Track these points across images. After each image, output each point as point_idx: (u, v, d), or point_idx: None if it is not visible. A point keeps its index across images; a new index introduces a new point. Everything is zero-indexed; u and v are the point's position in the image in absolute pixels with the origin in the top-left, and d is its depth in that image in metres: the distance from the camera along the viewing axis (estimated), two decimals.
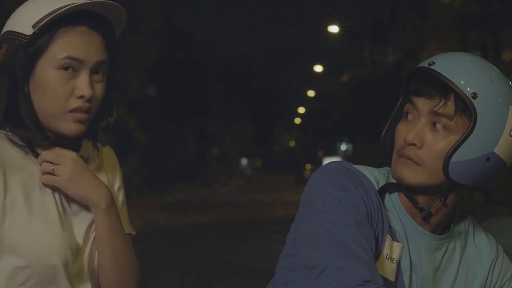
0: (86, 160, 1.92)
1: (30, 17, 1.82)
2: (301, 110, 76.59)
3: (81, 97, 1.82)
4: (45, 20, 1.80)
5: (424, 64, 1.80)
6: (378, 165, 2.00)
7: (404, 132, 1.81)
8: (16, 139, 1.84)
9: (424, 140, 1.79)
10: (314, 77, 52.24)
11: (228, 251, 14.04)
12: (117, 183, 2.03)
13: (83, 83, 1.82)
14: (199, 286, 10.70)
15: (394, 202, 1.86)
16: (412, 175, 1.80)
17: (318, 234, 1.71)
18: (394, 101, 1.93)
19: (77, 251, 1.85)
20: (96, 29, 1.85)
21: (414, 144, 1.79)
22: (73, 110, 1.82)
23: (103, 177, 1.97)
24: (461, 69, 1.78)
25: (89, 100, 1.83)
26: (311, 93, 59.26)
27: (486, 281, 1.93)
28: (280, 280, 1.92)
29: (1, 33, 1.85)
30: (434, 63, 1.79)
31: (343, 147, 52.37)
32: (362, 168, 1.88)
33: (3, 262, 1.79)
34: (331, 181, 1.79)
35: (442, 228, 1.90)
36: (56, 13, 1.80)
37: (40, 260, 1.79)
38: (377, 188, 1.85)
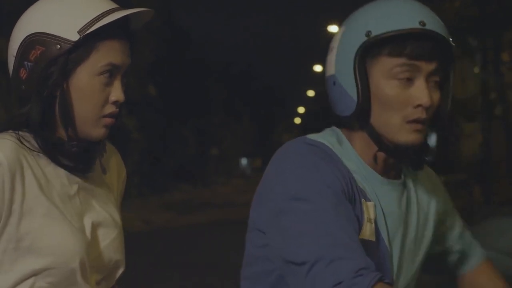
0: (100, 161, 1.94)
1: (72, 22, 1.81)
2: (301, 110, 76.54)
3: (115, 102, 1.85)
4: (92, 27, 1.80)
5: (414, 25, 1.76)
6: None
7: (406, 96, 1.78)
8: (28, 142, 1.83)
9: (433, 100, 1.79)
10: (314, 77, 52.23)
11: (228, 250, 14.04)
12: (122, 184, 2.05)
13: (117, 89, 1.85)
14: (199, 286, 10.70)
15: (355, 159, 1.84)
16: (422, 138, 1.81)
17: (299, 227, 1.68)
18: None
19: (92, 253, 1.85)
20: (126, 34, 1.88)
21: (423, 106, 1.78)
22: (105, 116, 1.85)
23: (111, 176, 1.99)
24: (441, 22, 1.80)
25: (119, 105, 1.86)
26: (311, 93, 59.23)
27: (437, 218, 1.98)
28: (259, 270, 1.88)
29: (31, 34, 1.83)
30: (425, 23, 1.77)
31: None
32: (315, 137, 1.85)
33: (21, 264, 1.78)
34: (300, 162, 1.76)
35: (397, 174, 1.91)
36: (101, 20, 1.81)
37: (60, 263, 1.79)
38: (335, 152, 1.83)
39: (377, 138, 1.81)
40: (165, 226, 20.04)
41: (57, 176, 1.85)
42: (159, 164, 32.17)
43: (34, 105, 1.82)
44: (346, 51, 1.78)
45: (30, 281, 1.79)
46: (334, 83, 1.80)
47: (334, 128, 1.88)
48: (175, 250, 14.52)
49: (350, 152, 1.83)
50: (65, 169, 1.86)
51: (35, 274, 1.79)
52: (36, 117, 1.82)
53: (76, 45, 1.80)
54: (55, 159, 1.84)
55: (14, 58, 1.85)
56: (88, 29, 1.80)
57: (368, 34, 1.75)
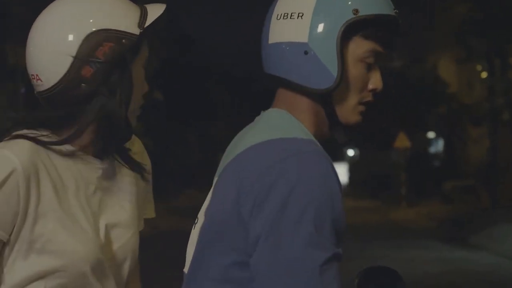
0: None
1: (129, 16, 1.86)
2: None
3: (145, 93, 1.93)
4: (147, 21, 1.86)
5: (390, 12, 1.78)
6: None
7: (367, 79, 1.79)
8: (47, 139, 1.84)
9: None
10: None
11: None
12: (148, 169, 2.06)
13: (145, 80, 1.94)
14: None
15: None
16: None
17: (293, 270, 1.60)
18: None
19: (106, 255, 1.87)
20: None
21: (376, 91, 1.81)
22: (141, 106, 1.94)
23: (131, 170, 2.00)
24: None
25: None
26: None
27: None
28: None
29: (96, 30, 1.82)
30: (397, 12, 1.80)
31: (351, 152, 52.22)
32: (301, 134, 1.74)
33: (32, 264, 1.81)
34: (320, 198, 1.64)
35: None
36: (149, 13, 1.87)
37: (70, 266, 1.81)
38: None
39: (334, 116, 1.80)
40: (171, 230, 20.02)
41: (73, 177, 1.86)
42: (165, 169, 32.17)
43: (101, 99, 1.84)
44: (328, 23, 1.74)
45: (41, 282, 1.81)
46: (306, 53, 1.75)
47: (278, 110, 1.81)
48: (182, 253, 14.54)
49: (310, 136, 1.78)
50: (127, 164, 1.92)
51: (45, 275, 1.81)
52: (112, 108, 1.84)
53: (139, 38, 1.85)
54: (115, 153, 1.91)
55: (73, 57, 1.82)
56: (144, 22, 1.86)
57: (355, 12, 1.73)
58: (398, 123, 27.75)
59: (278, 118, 1.78)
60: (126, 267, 1.93)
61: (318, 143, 1.76)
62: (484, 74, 23.84)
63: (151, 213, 2.11)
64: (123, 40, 1.83)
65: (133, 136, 2.02)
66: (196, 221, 1.80)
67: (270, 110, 1.83)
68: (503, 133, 22.01)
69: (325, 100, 1.78)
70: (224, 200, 1.70)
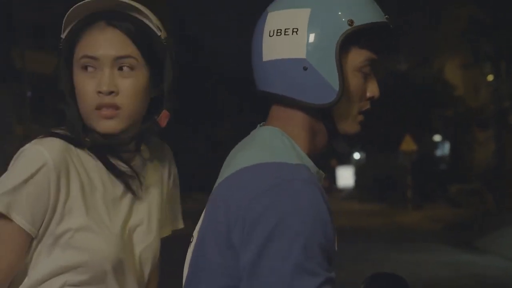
0: (143, 161, 1.98)
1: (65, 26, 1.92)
2: None
3: (99, 92, 1.85)
4: (62, 26, 1.89)
5: (382, 19, 1.77)
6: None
7: (364, 88, 1.78)
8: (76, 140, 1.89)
9: None
10: None
11: None
12: (172, 180, 2.09)
13: (100, 79, 1.85)
14: None
15: (307, 162, 1.76)
16: None
17: None
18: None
19: (127, 255, 1.90)
20: (115, 26, 1.88)
21: (374, 98, 1.81)
22: (98, 108, 1.85)
23: (157, 174, 2.02)
24: None
25: (111, 95, 1.85)
26: None
27: None
28: None
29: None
30: (387, 17, 1.79)
31: (357, 155, 52.13)
32: (290, 159, 1.70)
33: (55, 259, 1.84)
34: (308, 226, 1.61)
35: None
36: (66, 16, 1.88)
37: (91, 264, 1.84)
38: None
39: (334, 129, 1.78)
40: (178, 233, 20.05)
41: (101, 178, 1.89)
42: None
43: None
44: (325, 37, 1.71)
45: (62, 277, 1.84)
46: (305, 68, 1.71)
47: (271, 129, 1.78)
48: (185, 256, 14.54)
49: (303, 157, 1.75)
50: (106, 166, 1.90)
51: (67, 270, 1.84)
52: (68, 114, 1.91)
53: (63, 46, 1.90)
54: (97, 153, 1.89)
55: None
56: (65, 27, 1.90)
57: (350, 23, 1.71)
58: (404, 126, 27.75)
59: (271, 139, 1.75)
60: (147, 269, 1.97)
61: (310, 165, 1.73)
62: (490, 77, 23.85)
63: (179, 223, 2.21)
64: (57, 52, 1.92)
65: (159, 146, 2.04)
66: (191, 240, 1.80)
67: (263, 128, 1.80)
68: (509, 136, 22.01)
69: (324, 113, 1.75)
70: (214, 225, 1.69)
